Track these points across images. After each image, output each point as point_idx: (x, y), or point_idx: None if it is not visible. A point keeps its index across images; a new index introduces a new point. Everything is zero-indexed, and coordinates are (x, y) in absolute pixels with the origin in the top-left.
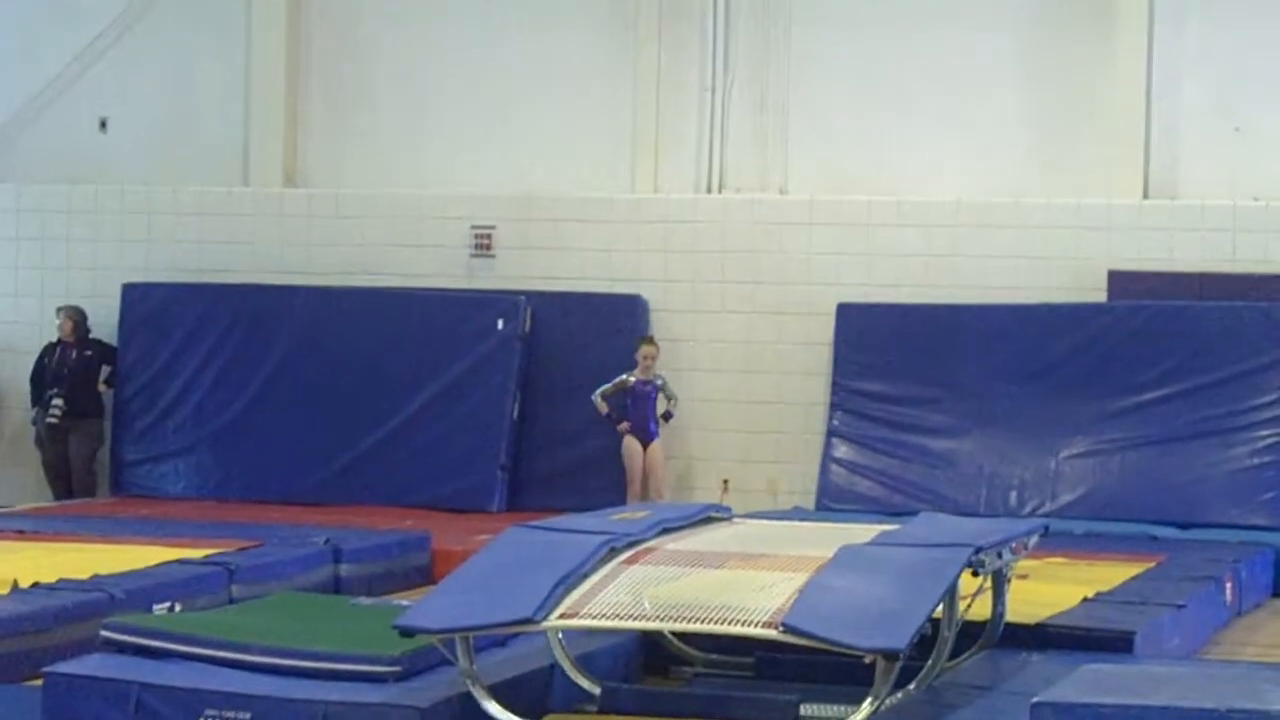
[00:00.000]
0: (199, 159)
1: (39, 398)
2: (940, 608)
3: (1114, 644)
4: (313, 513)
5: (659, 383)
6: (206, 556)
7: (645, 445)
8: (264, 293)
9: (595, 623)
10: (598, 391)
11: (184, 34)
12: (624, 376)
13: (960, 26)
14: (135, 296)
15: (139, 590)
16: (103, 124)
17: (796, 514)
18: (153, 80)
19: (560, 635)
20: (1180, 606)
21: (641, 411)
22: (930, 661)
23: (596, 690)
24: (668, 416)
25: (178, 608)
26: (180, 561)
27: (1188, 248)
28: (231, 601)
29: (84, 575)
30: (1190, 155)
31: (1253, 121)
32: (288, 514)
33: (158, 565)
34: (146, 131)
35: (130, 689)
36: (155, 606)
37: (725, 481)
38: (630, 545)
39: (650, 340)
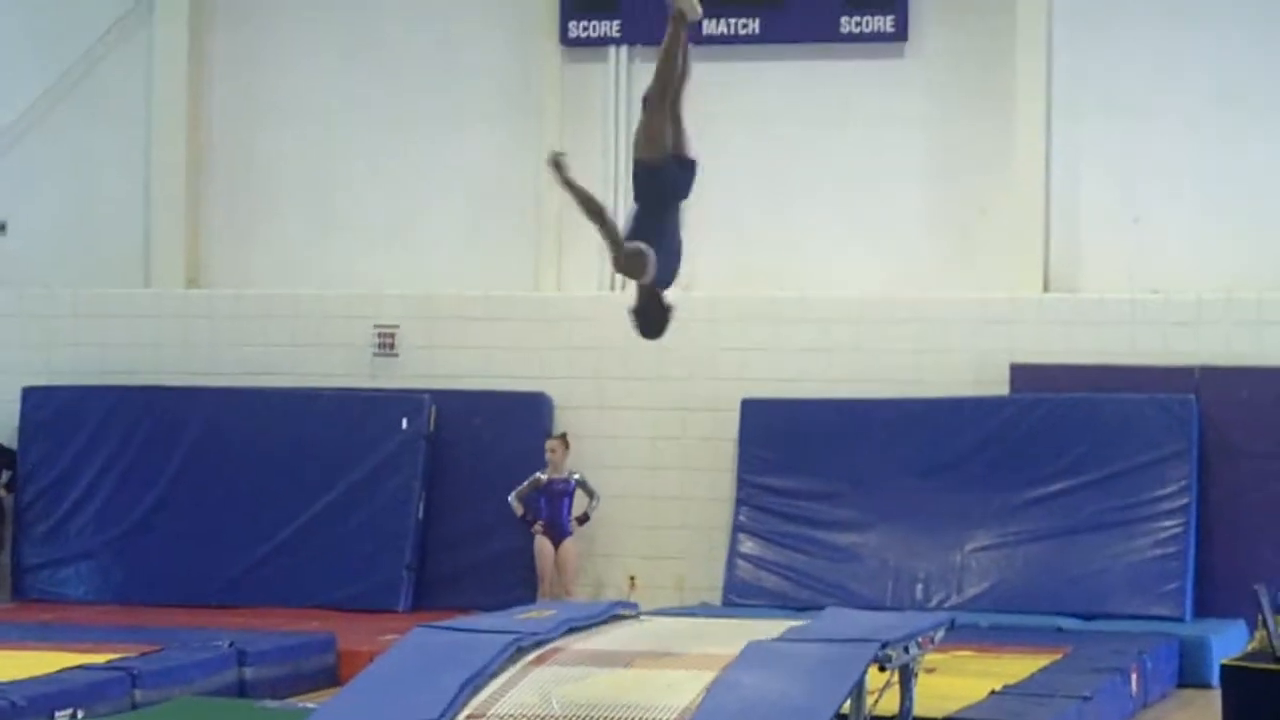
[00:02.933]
0: (100, 261)
1: None
2: (848, 703)
3: None
4: (217, 615)
5: (574, 480)
6: (109, 661)
7: (557, 544)
8: (167, 394)
9: None
10: (513, 493)
11: (85, 135)
12: (537, 475)
13: (863, 124)
14: (36, 400)
15: (40, 697)
16: (2, 226)
17: (703, 610)
18: (53, 182)
19: None
20: (1087, 698)
21: (554, 509)
22: None
23: None
24: (584, 519)
25: (80, 715)
26: (82, 667)
27: (1088, 340)
28: (135, 707)
29: None
30: (1090, 248)
31: (1151, 213)
32: (192, 617)
33: (59, 671)
34: (47, 233)
35: None
36: (57, 714)
37: (632, 578)
38: (537, 645)
39: (555, 436)
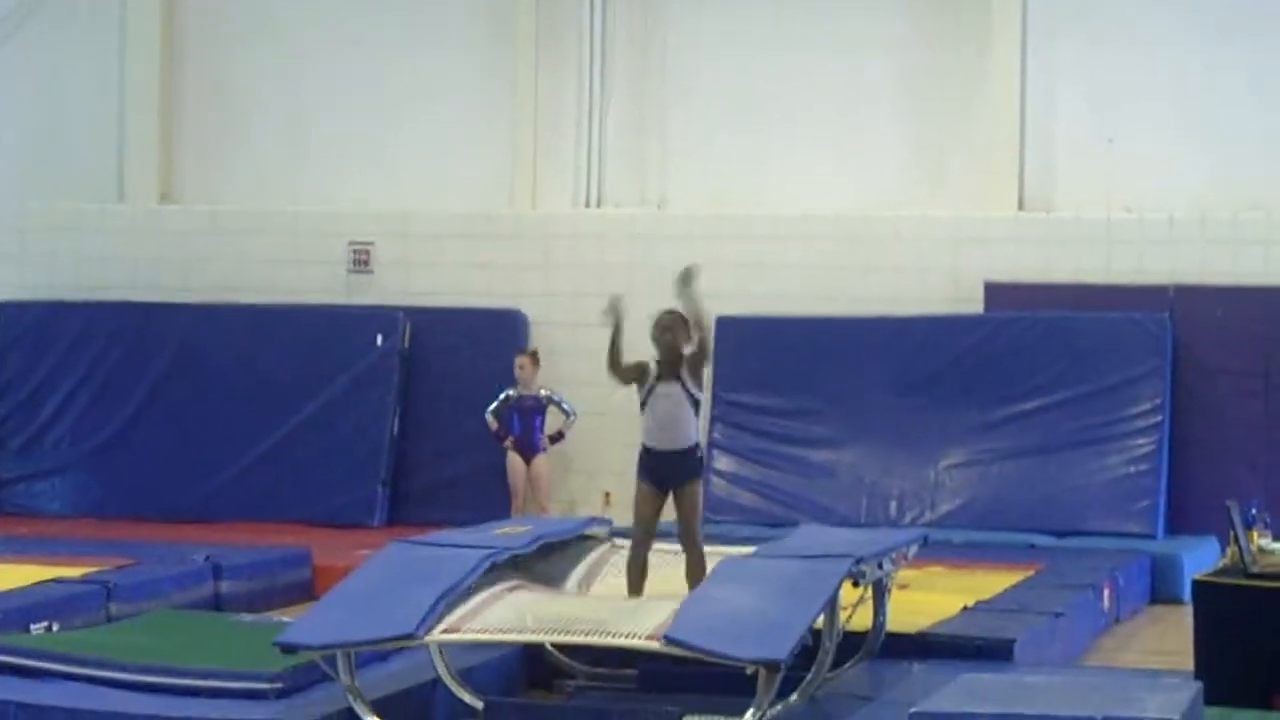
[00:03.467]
0: (73, 176)
1: None
2: (821, 618)
3: (994, 652)
4: (192, 530)
5: (543, 396)
6: (84, 575)
7: (528, 460)
8: (142, 310)
9: (477, 637)
10: (488, 409)
11: (57, 50)
12: (507, 391)
13: (836, 44)
14: (9, 315)
15: (15, 610)
16: None
17: (677, 528)
18: (25, 97)
19: (442, 650)
20: (1059, 615)
21: (526, 425)
22: (812, 672)
23: (479, 705)
24: (558, 437)
25: (55, 627)
26: (57, 580)
27: (1063, 259)
28: (110, 620)
29: None
30: (1065, 168)
31: (1126, 134)
32: (167, 531)
33: (34, 584)
34: (18, 148)
35: (6, 709)
36: (32, 626)
37: (607, 494)
38: (512, 560)
39: (524, 352)
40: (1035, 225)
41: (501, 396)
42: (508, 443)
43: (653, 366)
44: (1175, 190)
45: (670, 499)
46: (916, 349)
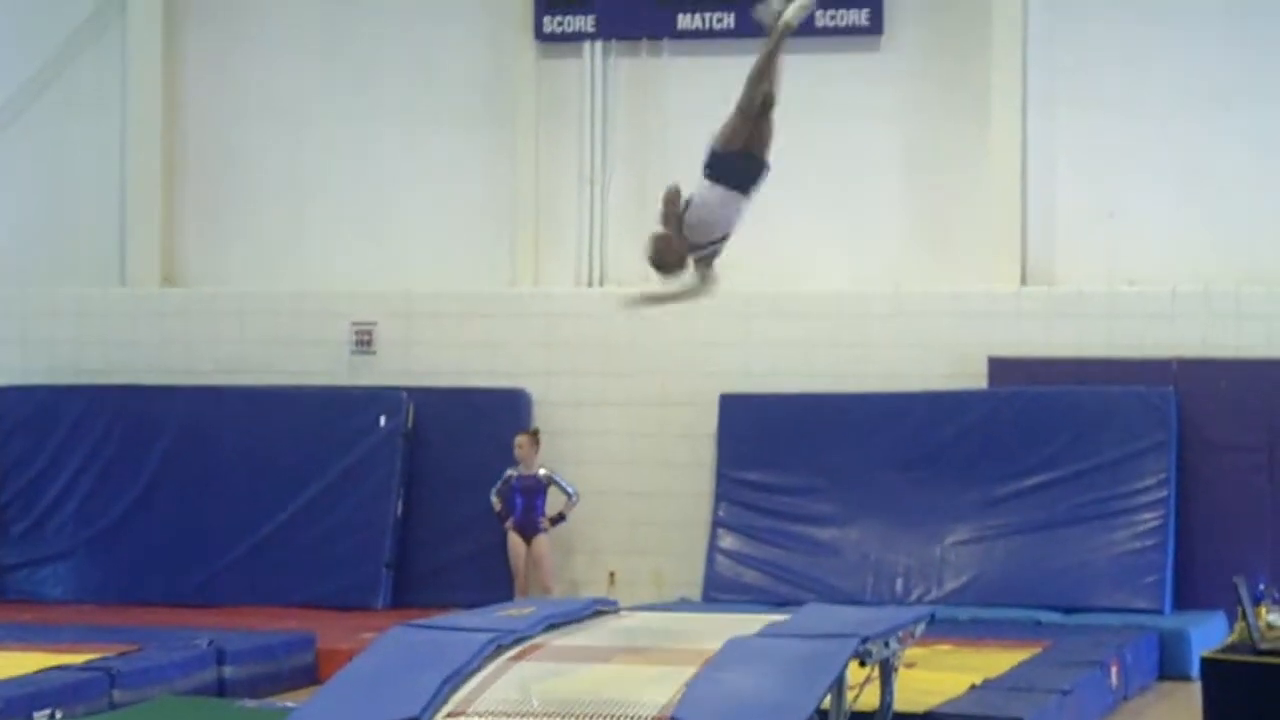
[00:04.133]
0: (75, 259)
1: None
2: (828, 699)
3: None
4: (196, 614)
5: (543, 476)
6: (87, 662)
7: (529, 540)
8: (143, 393)
9: None
10: (492, 490)
11: (59, 132)
12: (509, 472)
13: (838, 117)
14: (11, 400)
15: (18, 698)
16: None
17: (683, 606)
18: (27, 179)
19: None
20: (1066, 692)
21: (528, 506)
22: None
23: None
24: (559, 519)
25: (58, 715)
26: (59, 668)
27: (1066, 333)
28: (113, 707)
29: None
30: (1066, 241)
31: (1127, 207)
32: (170, 616)
33: (37, 671)
34: (20, 232)
35: None
36: (35, 714)
37: (611, 574)
38: (516, 642)
39: (523, 431)
40: (1038, 299)
41: (503, 477)
42: (509, 524)
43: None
44: (1177, 263)
45: None
46: (920, 425)
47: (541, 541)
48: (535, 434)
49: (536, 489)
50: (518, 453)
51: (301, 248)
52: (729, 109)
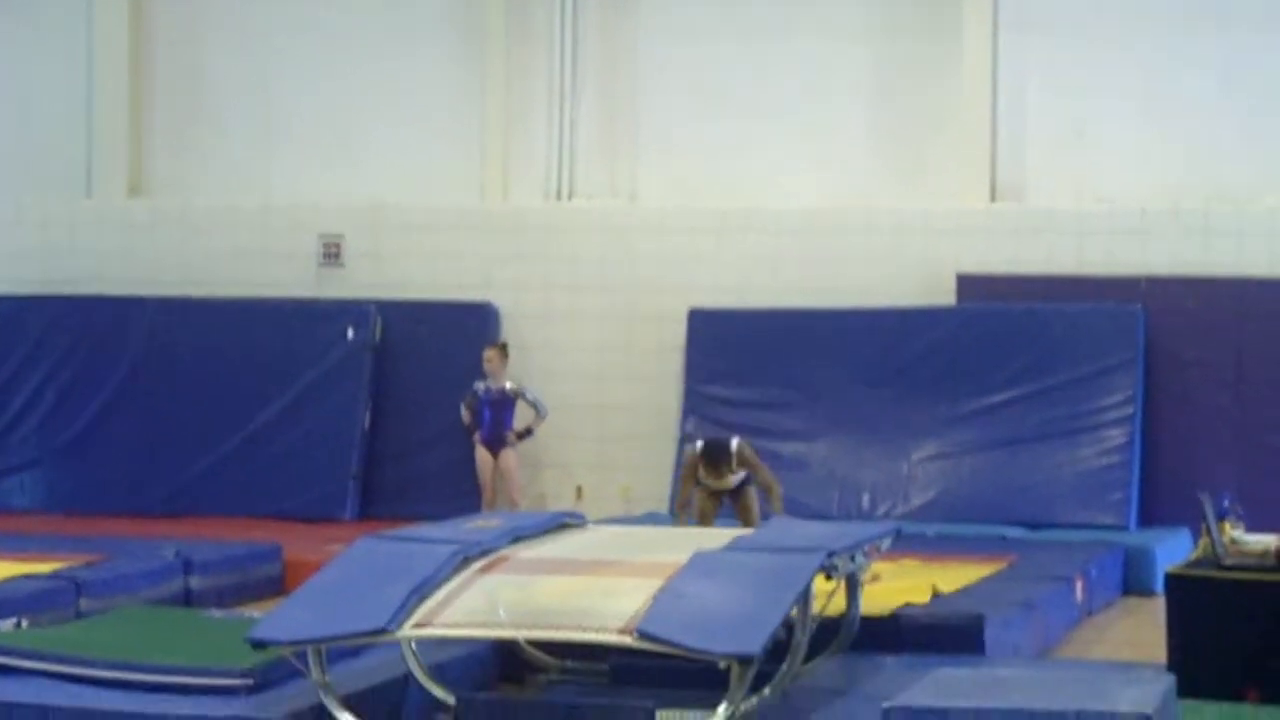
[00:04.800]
0: (42, 170)
1: None
2: (794, 611)
3: (965, 636)
4: (162, 525)
5: (511, 390)
6: (53, 571)
7: (496, 454)
8: (110, 304)
9: (449, 631)
10: (462, 403)
11: (24, 45)
12: (476, 385)
13: (807, 35)
14: None
15: None
16: None
17: (650, 520)
18: None
19: (414, 645)
20: (1031, 606)
21: (495, 419)
22: (785, 666)
23: (451, 700)
24: (526, 433)
25: (24, 623)
26: (25, 576)
27: (1035, 251)
28: (79, 616)
29: None
30: (1036, 159)
31: (1097, 126)
32: (137, 526)
33: (3, 580)
34: None
35: None
36: (1, 622)
37: (579, 488)
38: (483, 554)
39: (492, 345)
40: (1007, 217)
41: (471, 390)
42: (476, 437)
43: (701, 471)
44: (1147, 181)
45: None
46: (888, 341)
47: (509, 455)
48: (504, 347)
49: (504, 402)
50: (486, 366)
51: (270, 160)
52: None
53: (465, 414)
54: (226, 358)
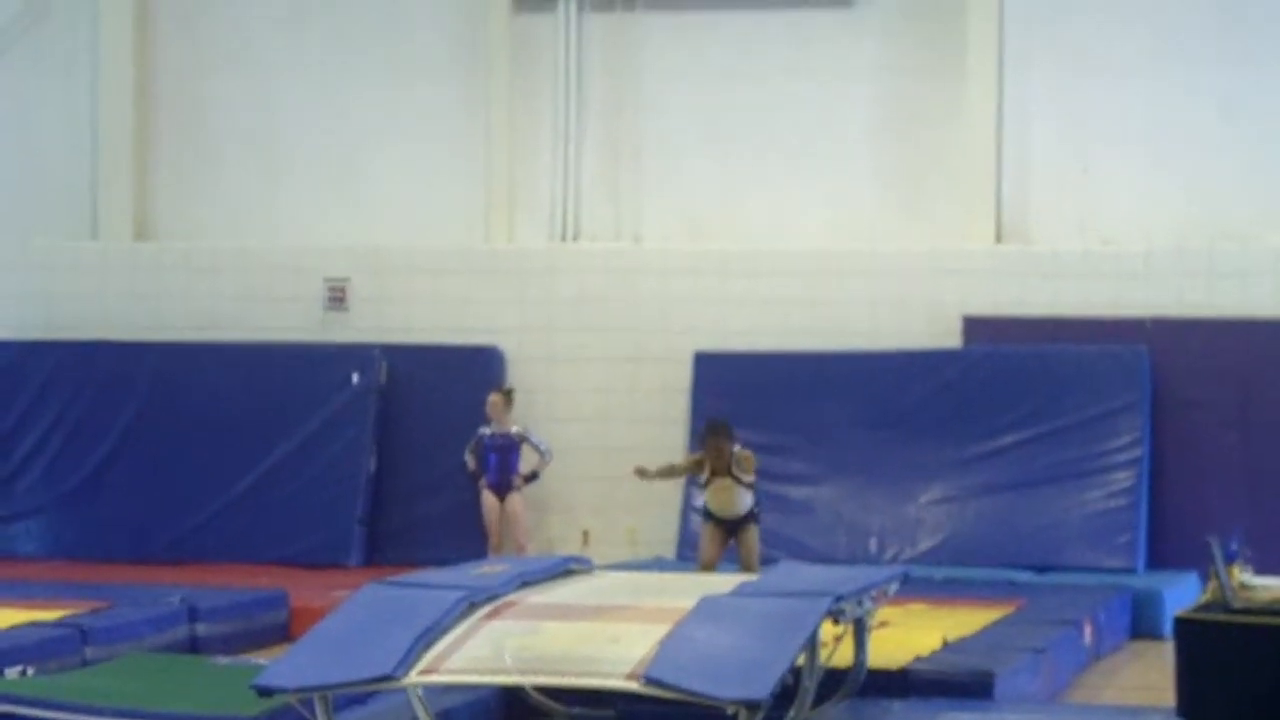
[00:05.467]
0: (47, 213)
1: None
2: (802, 657)
3: (975, 689)
4: (168, 571)
5: (516, 434)
6: (59, 618)
7: (503, 498)
8: (115, 349)
9: (455, 678)
10: (466, 449)
11: (31, 86)
12: (481, 430)
13: (813, 75)
14: None
15: None
16: None
17: (657, 564)
18: None
19: (420, 692)
20: (1039, 651)
21: (501, 464)
22: (792, 711)
23: None
24: (532, 477)
25: (30, 671)
26: (31, 624)
27: (1041, 292)
28: (85, 664)
29: None
30: (1041, 200)
31: (1102, 165)
32: (142, 573)
33: (8, 628)
34: None
35: None
36: (7, 670)
37: (585, 532)
38: (489, 599)
39: (497, 390)
40: (1012, 258)
41: (476, 436)
42: (482, 482)
43: (705, 467)
44: (1151, 222)
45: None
46: (894, 383)
47: (515, 500)
48: (509, 393)
49: (510, 447)
50: (490, 411)
51: (275, 203)
52: None
53: (470, 460)
54: (232, 402)
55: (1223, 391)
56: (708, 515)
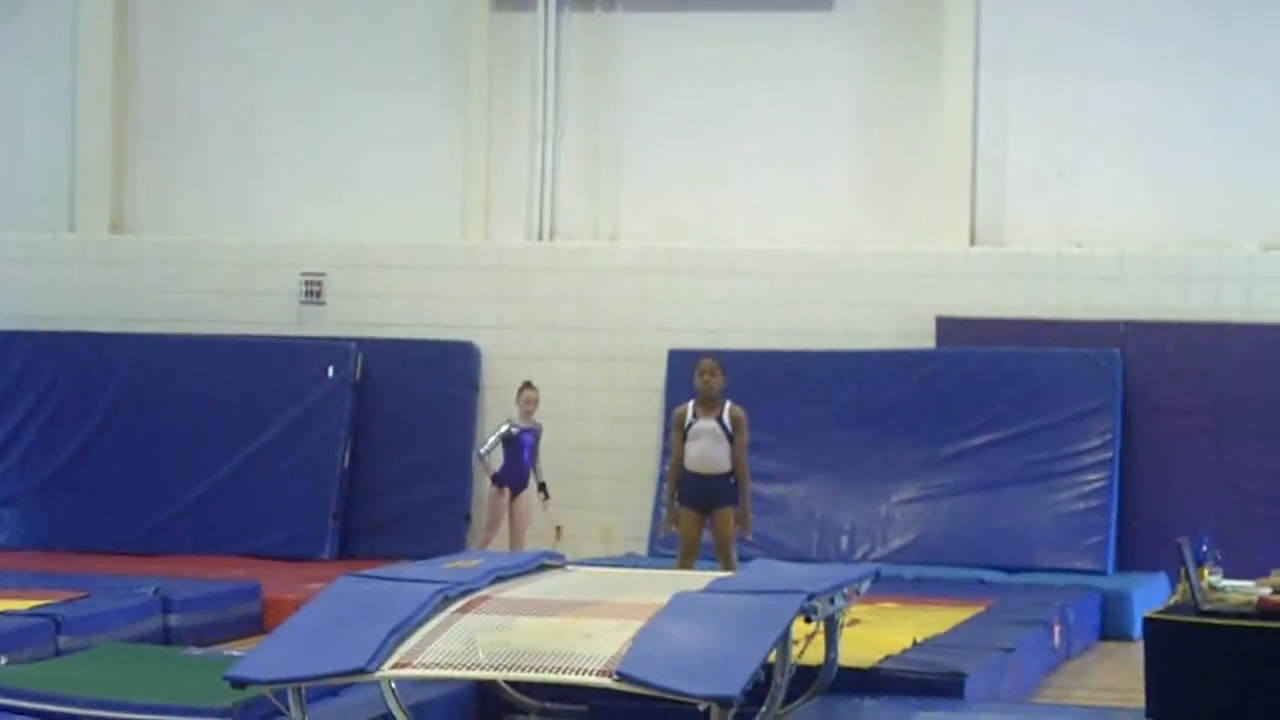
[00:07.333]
0: (24, 205)
1: None
2: (774, 654)
3: (945, 688)
4: (142, 563)
5: (538, 429)
6: (32, 608)
7: (517, 493)
8: (92, 340)
9: (429, 672)
10: (483, 449)
11: (9, 78)
12: (505, 427)
13: (790, 75)
14: None
15: None
16: None
17: (630, 561)
18: None
19: (394, 685)
20: (1009, 650)
21: (519, 459)
22: (764, 708)
23: None
24: (543, 487)
25: (3, 660)
26: (5, 613)
27: (1014, 294)
28: (59, 653)
29: None
30: (1016, 202)
31: (1078, 168)
32: (116, 564)
33: None
34: None
35: None
36: None
37: (558, 528)
38: (463, 594)
39: (530, 385)
40: (987, 260)
41: (499, 432)
42: (493, 474)
43: (690, 410)
44: (1127, 226)
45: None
46: (868, 383)
47: (526, 497)
48: (533, 386)
49: (530, 442)
50: (525, 405)
51: (252, 198)
52: None
53: (493, 463)
54: (207, 395)
55: (1195, 395)
56: (682, 495)
